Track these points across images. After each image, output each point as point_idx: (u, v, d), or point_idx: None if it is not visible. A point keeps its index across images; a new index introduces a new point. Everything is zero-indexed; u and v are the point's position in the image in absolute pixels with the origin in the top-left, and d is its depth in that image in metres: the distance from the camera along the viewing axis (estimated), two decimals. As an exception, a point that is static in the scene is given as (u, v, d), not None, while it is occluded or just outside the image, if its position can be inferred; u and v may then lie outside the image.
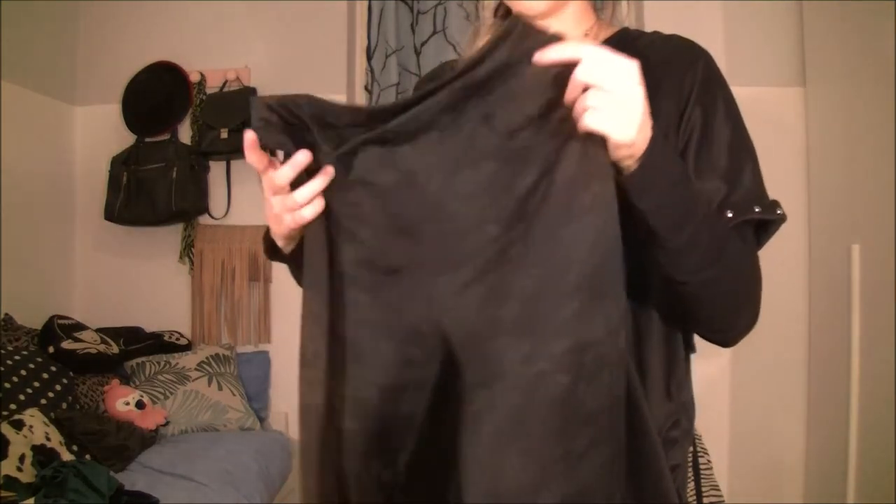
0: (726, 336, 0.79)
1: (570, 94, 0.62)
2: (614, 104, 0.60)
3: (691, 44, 0.81)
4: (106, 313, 2.87)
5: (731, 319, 0.77)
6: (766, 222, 0.77)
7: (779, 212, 0.77)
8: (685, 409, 0.81)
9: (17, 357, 2.19)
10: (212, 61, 2.87)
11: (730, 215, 0.74)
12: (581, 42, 0.62)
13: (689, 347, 0.84)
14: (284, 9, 2.86)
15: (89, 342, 2.51)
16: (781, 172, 2.38)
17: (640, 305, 0.77)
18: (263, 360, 2.83)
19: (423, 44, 2.95)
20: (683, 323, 0.79)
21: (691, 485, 0.86)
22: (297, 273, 0.83)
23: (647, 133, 0.64)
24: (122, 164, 2.81)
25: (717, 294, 0.73)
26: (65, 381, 2.26)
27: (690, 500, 0.86)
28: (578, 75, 0.60)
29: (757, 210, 0.75)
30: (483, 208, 0.66)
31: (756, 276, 0.77)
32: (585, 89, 0.61)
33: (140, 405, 2.38)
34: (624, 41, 0.84)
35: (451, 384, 0.68)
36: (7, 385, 2.07)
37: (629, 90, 0.61)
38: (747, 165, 0.77)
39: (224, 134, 2.74)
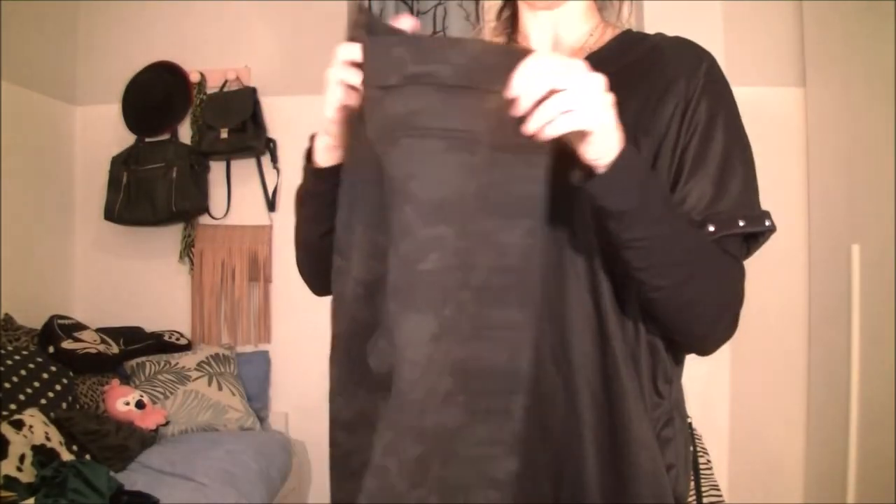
0: (702, 346, 0.79)
1: (525, 104, 0.60)
2: (589, 103, 0.61)
3: (696, 46, 0.81)
4: (106, 313, 2.87)
5: (710, 328, 0.76)
6: (755, 232, 0.77)
7: (767, 223, 0.77)
8: (678, 406, 0.81)
9: (17, 357, 2.19)
10: (212, 61, 2.87)
11: (711, 229, 0.74)
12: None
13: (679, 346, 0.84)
14: (284, 9, 2.86)
15: (89, 342, 2.51)
16: (781, 172, 2.39)
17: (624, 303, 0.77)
18: (263, 360, 2.83)
19: (423, 44, 2.95)
20: (660, 330, 0.78)
21: (691, 485, 0.86)
22: (306, 203, 0.84)
23: (619, 136, 0.65)
24: (122, 164, 2.81)
25: (694, 300, 0.73)
26: (65, 381, 2.26)
27: (690, 500, 0.86)
28: (540, 84, 0.60)
29: (741, 224, 0.75)
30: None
31: (736, 289, 0.76)
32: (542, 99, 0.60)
33: (140, 405, 2.38)
34: (628, 42, 0.84)
35: None
36: (7, 385, 2.07)
37: (595, 87, 0.61)
38: (738, 173, 0.77)
39: (224, 134, 2.74)
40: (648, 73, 0.79)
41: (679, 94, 0.77)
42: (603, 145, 0.63)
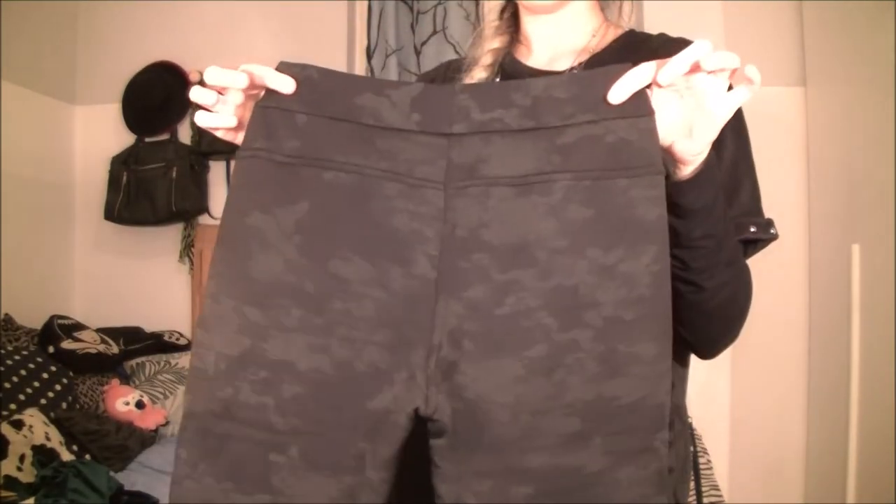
0: (712, 349, 0.79)
1: (675, 71, 0.59)
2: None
3: None
4: (106, 313, 2.86)
5: (727, 330, 0.77)
6: (757, 239, 0.78)
7: (772, 231, 0.77)
8: (677, 410, 0.81)
9: (17, 357, 2.19)
10: (212, 61, 2.84)
11: None
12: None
13: (686, 348, 0.84)
14: (284, 9, 2.86)
15: (89, 342, 2.51)
16: (781, 172, 2.39)
17: None
18: (263, 360, 2.82)
19: (423, 44, 2.95)
20: (685, 332, 0.78)
21: (691, 485, 0.86)
22: None
23: None
24: (122, 163, 2.81)
25: (725, 303, 0.73)
26: (65, 381, 2.26)
27: (690, 500, 0.86)
28: (711, 59, 0.58)
29: (753, 230, 0.76)
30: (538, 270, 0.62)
31: (750, 291, 0.77)
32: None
33: (140, 405, 2.38)
34: (633, 43, 0.83)
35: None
36: (7, 385, 2.07)
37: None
38: (747, 179, 0.78)
39: (224, 134, 2.74)
40: None
41: None
42: (710, 136, 0.62)
